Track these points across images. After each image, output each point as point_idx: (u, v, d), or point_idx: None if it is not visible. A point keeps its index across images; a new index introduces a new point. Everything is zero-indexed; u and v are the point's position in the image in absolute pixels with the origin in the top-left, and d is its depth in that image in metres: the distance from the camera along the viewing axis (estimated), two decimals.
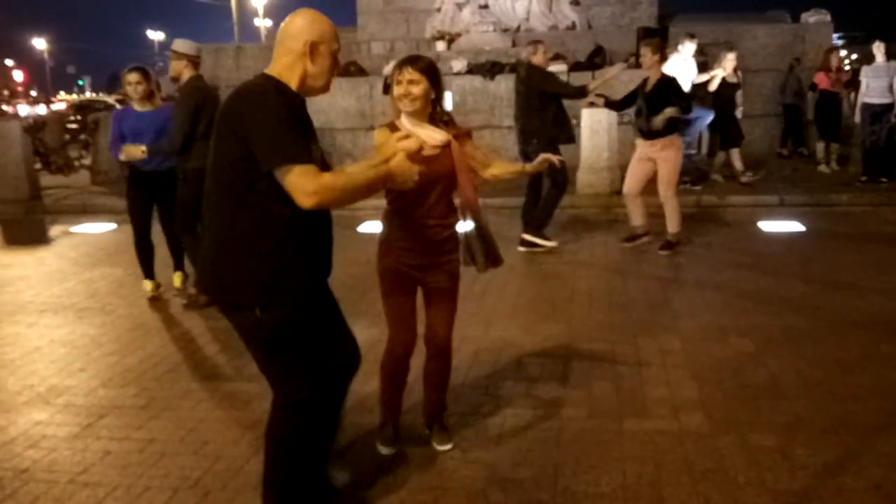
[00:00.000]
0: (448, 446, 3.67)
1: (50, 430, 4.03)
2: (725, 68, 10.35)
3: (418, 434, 3.79)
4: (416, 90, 3.27)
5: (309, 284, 2.74)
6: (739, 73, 11.06)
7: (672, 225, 7.48)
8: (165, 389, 4.54)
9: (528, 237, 7.66)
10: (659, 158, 7.33)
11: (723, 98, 10.37)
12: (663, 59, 7.56)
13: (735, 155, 10.74)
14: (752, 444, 3.63)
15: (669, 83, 7.26)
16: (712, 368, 4.57)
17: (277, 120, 2.51)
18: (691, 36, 10.51)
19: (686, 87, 9.63)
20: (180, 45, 5.86)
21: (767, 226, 8.51)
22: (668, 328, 5.28)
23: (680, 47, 10.49)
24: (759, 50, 13.49)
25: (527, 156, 7.17)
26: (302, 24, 2.71)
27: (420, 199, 3.33)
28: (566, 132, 7.51)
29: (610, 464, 3.48)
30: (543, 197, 7.72)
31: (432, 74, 3.32)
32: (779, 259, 7.14)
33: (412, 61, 3.30)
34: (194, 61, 5.88)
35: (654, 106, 7.15)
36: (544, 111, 7.38)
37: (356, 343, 3.07)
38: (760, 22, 15.57)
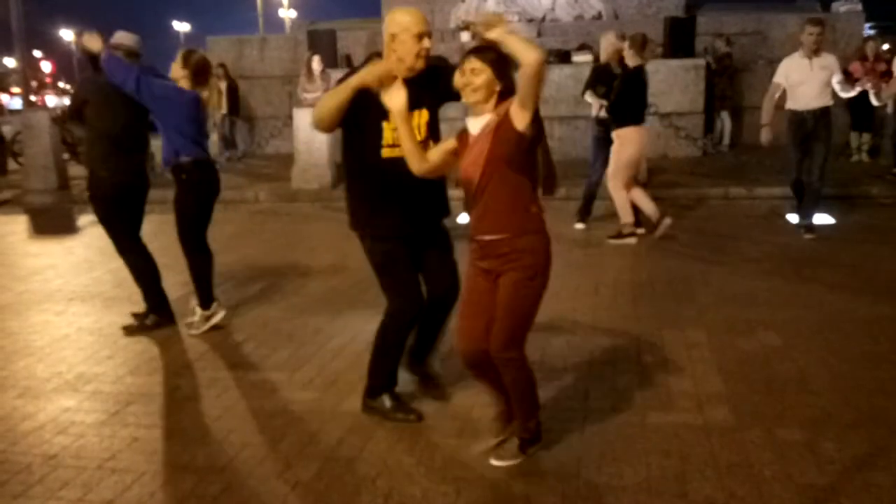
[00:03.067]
0: (499, 462, 3.42)
1: (78, 416, 4.09)
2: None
3: (442, 425, 3.81)
4: (478, 80, 3.12)
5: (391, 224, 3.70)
6: None
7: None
8: (192, 378, 4.59)
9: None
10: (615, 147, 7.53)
11: None
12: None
13: None
14: (778, 438, 3.59)
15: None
16: (738, 362, 4.53)
17: None
18: (814, 22, 7.45)
19: (818, 97, 7.31)
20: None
21: (796, 218, 8.40)
22: (693, 321, 5.24)
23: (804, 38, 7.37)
24: (789, 40, 13.32)
25: None
26: (387, 22, 3.57)
27: (468, 198, 3.26)
28: None
29: (634, 457, 3.47)
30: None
31: (498, 64, 3.12)
32: (807, 251, 7.05)
33: (477, 50, 3.16)
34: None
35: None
36: None
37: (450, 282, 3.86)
38: (790, 11, 15.35)
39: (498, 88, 3.15)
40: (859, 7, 14.56)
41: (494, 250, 3.20)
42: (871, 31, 22.51)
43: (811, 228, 7.59)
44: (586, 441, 3.63)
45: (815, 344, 4.76)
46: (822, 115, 7.34)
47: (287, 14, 49.95)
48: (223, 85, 14.60)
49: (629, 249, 7.34)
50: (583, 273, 6.55)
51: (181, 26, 68.16)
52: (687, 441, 3.59)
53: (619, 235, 7.55)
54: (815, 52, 7.32)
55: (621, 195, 7.52)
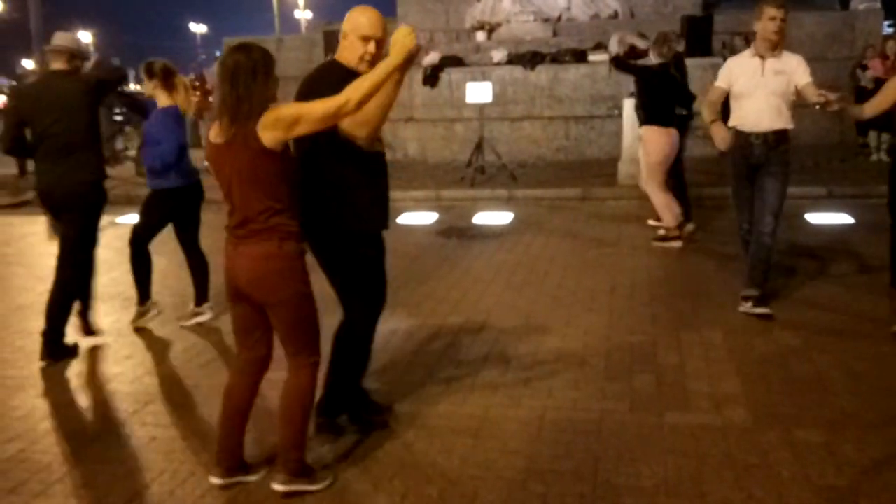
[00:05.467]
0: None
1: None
2: None
3: (458, 425, 3.81)
4: None
5: None
6: None
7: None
8: (209, 377, 4.61)
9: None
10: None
11: None
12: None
13: None
14: (796, 439, 3.57)
15: None
16: (756, 362, 4.51)
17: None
18: (777, 4, 5.14)
19: (771, 114, 5.23)
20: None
21: (815, 217, 8.34)
22: (710, 321, 5.22)
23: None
24: (807, 39, 13.22)
25: None
26: (346, 18, 3.53)
27: None
28: None
29: (651, 457, 3.46)
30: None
31: None
32: (826, 252, 7.00)
33: None
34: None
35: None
36: None
37: None
38: (808, 9, 15.21)
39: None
40: (878, 5, 14.42)
41: None
42: (890, 29, 22.31)
43: (762, 299, 5.33)
44: (603, 441, 3.62)
45: (833, 344, 4.73)
46: (776, 143, 5.21)
47: (303, 15, 50.17)
48: None
49: (645, 249, 7.31)
50: (599, 273, 6.54)
51: (198, 28, 68.59)
52: (704, 442, 3.58)
53: (664, 238, 7.44)
54: (774, 48, 5.19)
55: (659, 197, 7.41)
